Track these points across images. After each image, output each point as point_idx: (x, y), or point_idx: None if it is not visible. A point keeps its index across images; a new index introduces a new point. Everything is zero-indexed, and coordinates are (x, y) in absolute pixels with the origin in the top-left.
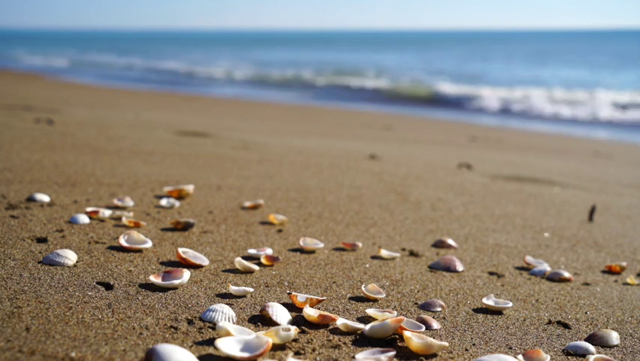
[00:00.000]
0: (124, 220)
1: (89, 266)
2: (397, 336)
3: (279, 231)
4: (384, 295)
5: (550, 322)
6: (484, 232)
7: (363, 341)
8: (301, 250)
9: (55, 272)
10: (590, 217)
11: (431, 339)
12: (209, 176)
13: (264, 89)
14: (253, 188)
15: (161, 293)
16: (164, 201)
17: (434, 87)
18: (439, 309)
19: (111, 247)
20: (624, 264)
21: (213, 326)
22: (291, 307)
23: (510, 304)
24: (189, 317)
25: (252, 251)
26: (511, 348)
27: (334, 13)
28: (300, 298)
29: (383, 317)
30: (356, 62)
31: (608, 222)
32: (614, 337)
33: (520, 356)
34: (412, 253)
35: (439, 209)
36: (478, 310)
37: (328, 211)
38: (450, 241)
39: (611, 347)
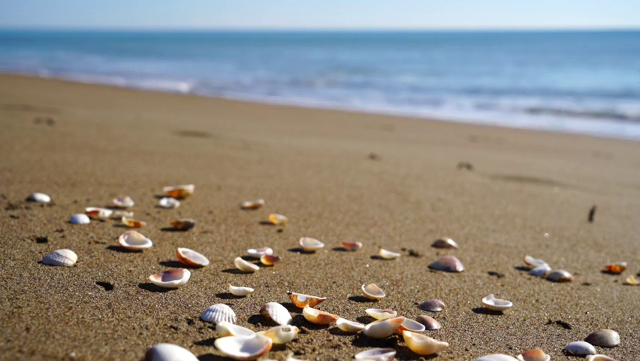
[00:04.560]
0: (124, 220)
1: (89, 266)
2: (397, 336)
3: (279, 231)
4: (384, 295)
5: (550, 322)
6: (484, 232)
7: (363, 341)
8: (301, 250)
9: (55, 272)
10: (590, 218)
11: (431, 339)
12: (209, 176)
13: None
14: (253, 188)
15: (161, 293)
16: (164, 201)
17: None
18: (439, 309)
19: (111, 247)
20: (624, 264)
21: (213, 326)
22: (291, 307)
23: (510, 304)
24: (189, 317)
25: (252, 251)
26: (511, 348)
27: (335, 13)
28: (300, 298)
29: (383, 317)
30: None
31: (608, 223)
32: (614, 337)
33: (520, 356)
34: (412, 253)
35: (439, 209)
36: (478, 310)
37: (328, 211)
38: (450, 241)
39: (611, 347)
